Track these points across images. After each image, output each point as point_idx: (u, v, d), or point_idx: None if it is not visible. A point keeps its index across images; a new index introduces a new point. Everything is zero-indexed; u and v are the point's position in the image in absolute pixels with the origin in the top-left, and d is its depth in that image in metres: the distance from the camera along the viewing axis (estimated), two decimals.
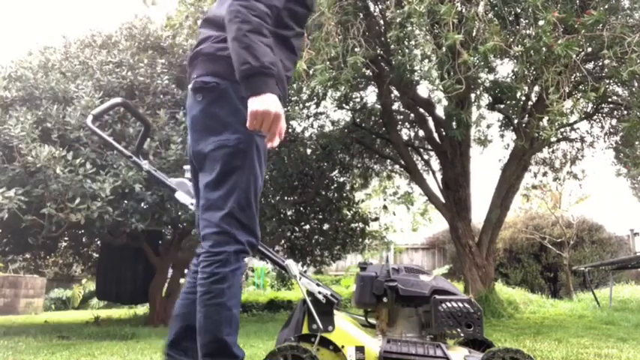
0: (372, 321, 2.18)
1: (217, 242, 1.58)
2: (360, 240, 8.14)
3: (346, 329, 1.97)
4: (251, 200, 1.61)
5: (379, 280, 2.06)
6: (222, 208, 1.58)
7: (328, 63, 4.15)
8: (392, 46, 5.77)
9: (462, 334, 1.98)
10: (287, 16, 1.68)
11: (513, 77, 6.08)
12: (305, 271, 2.78)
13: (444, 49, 4.00)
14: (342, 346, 1.93)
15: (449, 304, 1.97)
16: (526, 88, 5.69)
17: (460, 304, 1.97)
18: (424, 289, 2.03)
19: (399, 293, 2.03)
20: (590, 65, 5.72)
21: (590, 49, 4.70)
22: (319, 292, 1.97)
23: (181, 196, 2.03)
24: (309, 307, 1.95)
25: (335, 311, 2.00)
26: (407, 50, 5.19)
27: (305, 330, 1.97)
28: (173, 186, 2.04)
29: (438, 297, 1.98)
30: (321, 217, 7.50)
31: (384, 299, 2.05)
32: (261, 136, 1.58)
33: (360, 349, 1.92)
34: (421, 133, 8.04)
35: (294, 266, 1.99)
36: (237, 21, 1.47)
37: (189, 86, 1.68)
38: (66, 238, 6.62)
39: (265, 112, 1.42)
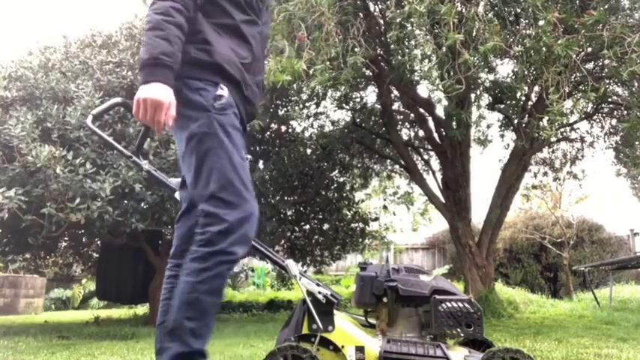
0: (372, 321, 2.18)
1: (203, 224, 1.57)
2: (360, 240, 8.15)
3: (346, 329, 1.97)
4: (230, 177, 1.60)
5: (379, 280, 2.06)
6: (205, 193, 1.59)
7: (328, 63, 4.14)
8: (392, 46, 5.77)
9: (462, 334, 1.98)
10: (228, 5, 1.72)
11: (513, 77, 6.08)
12: (305, 271, 2.79)
13: (444, 49, 4.00)
14: (342, 346, 1.94)
15: (449, 304, 1.97)
16: (526, 88, 5.69)
17: (460, 304, 1.97)
18: (424, 289, 2.03)
19: (399, 293, 2.03)
20: (590, 65, 5.72)
21: (590, 49, 4.70)
22: (319, 292, 1.97)
23: None
24: (309, 307, 1.95)
25: (335, 311, 2.00)
26: (407, 50, 5.19)
27: (305, 330, 1.97)
28: (173, 186, 2.04)
29: (438, 297, 1.98)
30: (321, 217, 7.50)
31: (384, 299, 2.05)
32: (222, 114, 1.63)
33: (360, 349, 1.92)
34: (421, 133, 8.04)
35: (294, 266, 1.99)
36: (146, 25, 1.58)
37: None
38: (66, 238, 6.61)
39: (148, 99, 1.49)
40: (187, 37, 1.62)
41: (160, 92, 1.50)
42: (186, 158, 1.63)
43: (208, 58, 1.65)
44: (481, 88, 6.64)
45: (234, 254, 1.56)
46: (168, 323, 1.53)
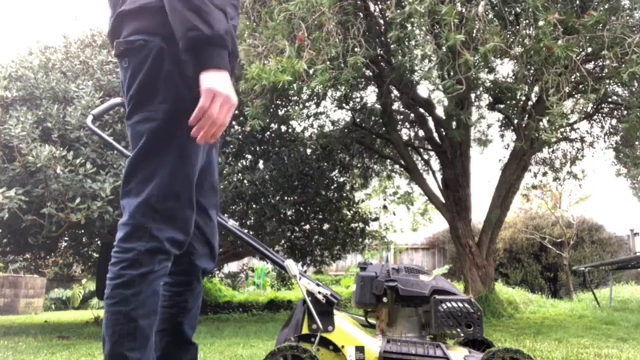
0: (372, 321, 2.18)
1: (128, 236, 1.31)
2: (360, 240, 8.15)
3: (346, 329, 1.98)
4: (177, 190, 1.31)
5: (379, 280, 2.06)
6: (139, 195, 1.30)
7: (328, 63, 4.14)
8: (392, 46, 5.77)
9: (461, 334, 1.98)
10: None
11: (513, 77, 6.09)
12: (305, 271, 2.79)
13: (444, 49, 4.00)
14: (342, 346, 1.94)
15: (449, 304, 1.97)
16: (526, 88, 5.69)
17: (460, 304, 1.97)
18: (424, 289, 2.03)
19: (399, 293, 2.03)
20: (590, 66, 5.73)
21: (590, 50, 4.70)
22: (319, 292, 1.97)
23: None
24: (309, 307, 1.95)
25: (335, 311, 2.00)
26: (407, 50, 5.19)
27: (305, 330, 1.97)
28: None
29: (438, 297, 1.98)
30: (321, 217, 7.50)
31: (384, 299, 2.06)
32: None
33: (359, 349, 1.92)
34: (421, 133, 8.04)
35: (293, 266, 1.99)
36: None
37: (113, 53, 1.37)
38: (66, 238, 6.61)
39: (226, 96, 1.19)
40: None
41: (233, 90, 1.21)
42: (132, 136, 1.35)
43: None
44: (481, 89, 6.65)
45: (162, 271, 1.35)
46: (110, 358, 1.28)
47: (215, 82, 1.17)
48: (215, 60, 1.18)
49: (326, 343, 1.96)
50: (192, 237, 1.49)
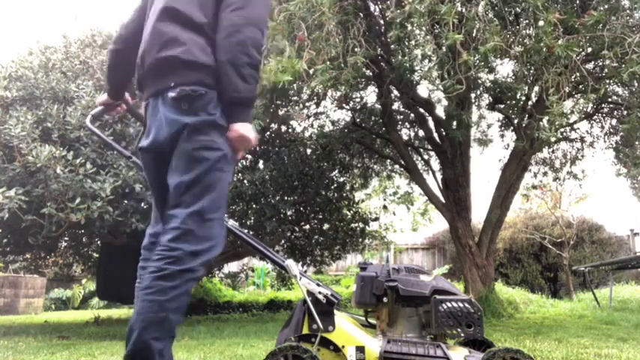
0: (372, 321, 2.18)
1: (176, 238, 1.52)
2: (360, 240, 8.15)
3: (346, 329, 1.97)
4: (221, 205, 1.62)
5: (379, 280, 2.06)
6: (192, 206, 1.55)
7: (328, 63, 4.14)
8: (392, 46, 5.77)
9: (462, 334, 1.98)
10: None
11: (513, 77, 6.09)
12: (305, 271, 2.79)
13: (444, 49, 4.00)
14: (343, 346, 1.94)
15: (449, 304, 1.97)
16: (526, 88, 5.69)
17: (460, 304, 1.97)
18: (424, 289, 2.03)
19: (399, 293, 2.03)
20: (590, 65, 5.72)
21: (590, 50, 4.70)
22: (319, 292, 1.97)
23: None
24: (310, 307, 1.95)
25: (335, 311, 2.00)
26: (407, 50, 5.19)
27: (305, 330, 1.97)
28: None
29: (438, 297, 1.98)
30: (321, 217, 7.50)
31: (385, 299, 2.05)
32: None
33: (360, 349, 1.92)
34: (421, 133, 8.04)
35: (294, 266, 1.99)
36: (241, 49, 1.57)
37: (171, 94, 1.60)
38: (66, 238, 6.61)
39: (251, 140, 1.64)
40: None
41: (252, 134, 1.65)
42: (188, 159, 1.59)
43: None
44: (481, 88, 6.65)
45: (198, 273, 1.55)
46: (130, 345, 1.44)
47: (246, 130, 1.62)
48: (245, 115, 1.63)
49: (326, 343, 1.96)
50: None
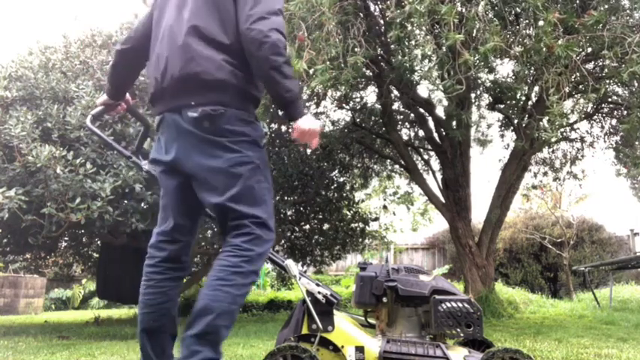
0: (372, 321, 2.18)
1: (248, 241, 1.67)
2: (360, 240, 8.14)
3: (346, 329, 1.98)
4: (272, 211, 1.77)
5: (379, 280, 2.06)
6: (256, 216, 1.69)
7: (328, 63, 4.14)
8: (392, 46, 5.77)
9: (461, 334, 1.98)
10: None
11: (513, 77, 6.09)
12: (305, 271, 2.79)
13: (444, 49, 4.00)
14: (342, 346, 1.94)
15: (449, 304, 1.97)
16: (526, 88, 5.68)
17: (460, 304, 1.97)
18: (424, 289, 2.03)
19: (398, 293, 2.03)
20: (590, 65, 5.72)
21: (590, 50, 4.69)
22: (319, 292, 1.97)
23: None
24: (309, 307, 1.95)
25: (335, 311, 2.00)
26: (407, 50, 5.19)
27: (305, 330, 1.97)
28: None
29: (437, 297, 1.98)
30: (321, 217, 7.50)
31: (384, 299, 2.06)
32: (264, 150, 1.80)
33: (359, 349, 1.92)
34: (421, 133, 8.04)
35: (293, 266, 2.00)
36: (275, 52, 1.63)
37: (192, 114, 1.66)
38: (66, 238, 6.61)
39: (316, 128, 1.76)
40: (247, 67, 1.69)
41: (315, 122, 1.77)
42: (225, 176, 1.67)
43: (258, 94, 1.80)
44: (481, 88, 6.64)
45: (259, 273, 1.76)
46: (200, 326, 1.55)
47: (308, 123, 1.74)
48: (301, 109, 1.74)
49: (326, 343, 1.96)
50: (191, 237, 1.91)
